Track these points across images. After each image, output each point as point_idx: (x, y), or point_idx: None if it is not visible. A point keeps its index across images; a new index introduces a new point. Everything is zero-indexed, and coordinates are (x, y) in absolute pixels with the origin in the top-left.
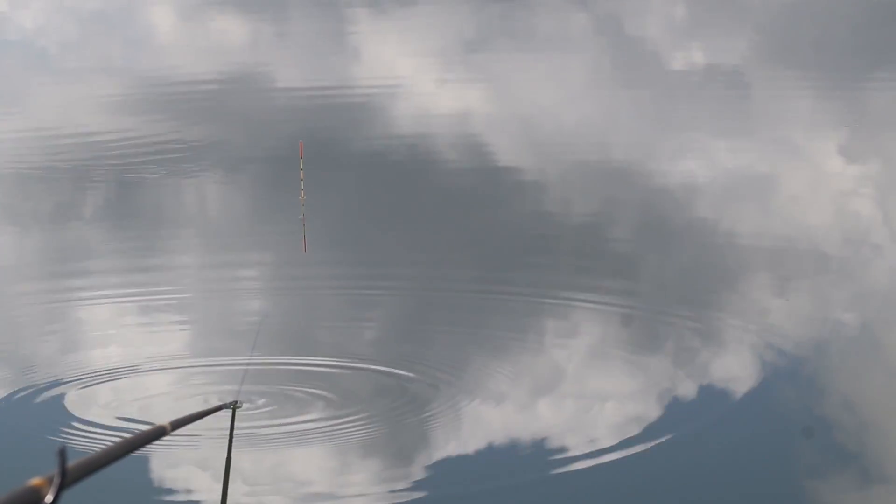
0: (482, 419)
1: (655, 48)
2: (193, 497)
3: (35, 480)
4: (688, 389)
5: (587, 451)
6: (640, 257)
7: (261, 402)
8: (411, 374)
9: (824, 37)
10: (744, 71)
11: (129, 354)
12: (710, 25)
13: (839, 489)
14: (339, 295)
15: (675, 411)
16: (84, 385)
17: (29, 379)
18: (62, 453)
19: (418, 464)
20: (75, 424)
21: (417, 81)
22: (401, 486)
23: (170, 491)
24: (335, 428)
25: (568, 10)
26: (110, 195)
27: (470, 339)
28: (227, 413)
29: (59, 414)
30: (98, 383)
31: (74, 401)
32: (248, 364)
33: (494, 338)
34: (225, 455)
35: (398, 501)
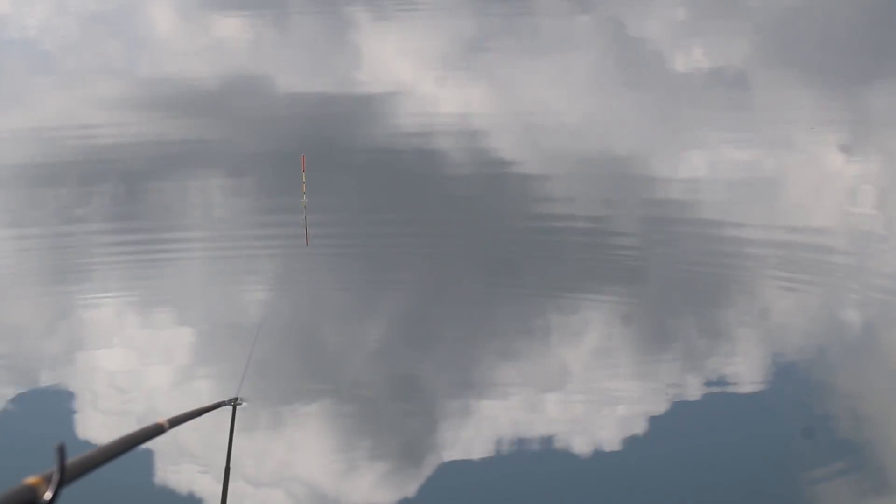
0: (488, 417)
1: (658, 48)
2: (195, 494)
3: (31, 479)
4: (688, 389)
5: (586, 450)
6: (642, 257)
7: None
8: (414, 374)
9: (826, 37)
10: (746, 71)
11: (128, 353)
12: (713, 25)
13: (839, 490)
14: (344, 295)
15: (676, 411)
16: (84, 385)
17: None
18: (61, 450)
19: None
20: (74, 422)
21: (420, 83)
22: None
23: (171, 487)
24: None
25: (570, 11)
26: (111, 194)
27: (473, 339)
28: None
29: (58, 412)
30: (97, 381)
31: (74, 399)
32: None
33: (496, 338)
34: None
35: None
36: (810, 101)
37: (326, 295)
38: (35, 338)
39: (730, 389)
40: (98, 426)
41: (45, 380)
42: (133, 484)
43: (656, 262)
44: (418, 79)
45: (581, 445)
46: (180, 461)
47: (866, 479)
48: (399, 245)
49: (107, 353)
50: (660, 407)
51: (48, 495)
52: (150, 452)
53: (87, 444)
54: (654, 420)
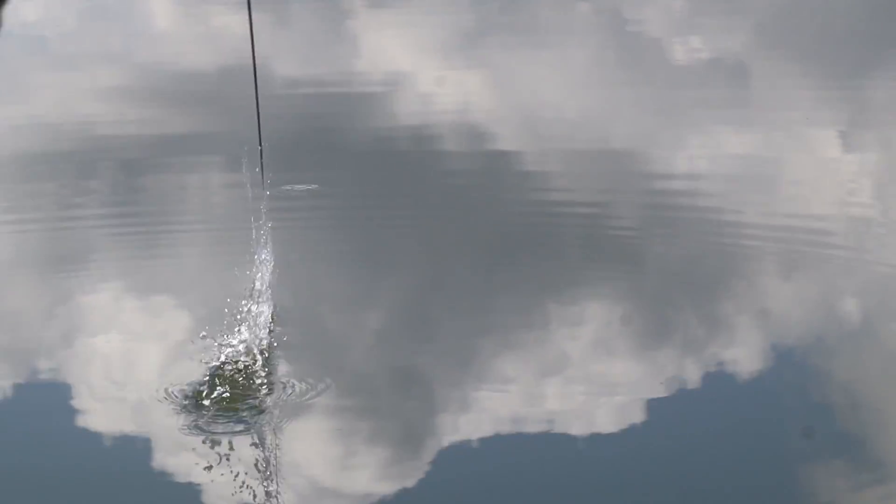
0: (486, 407)
1: (656, 37)
2: (195, 487)
3: None
4: (686, 386)
5: (583, 449)
6: (640, 248)
7: None
8: (411, 363)
9: (826, 26)
10: (745, 61)
11: (125, 339)
12: (711, 15)
13: (839, 489)
14: (340, 285)
15: (674, 409)
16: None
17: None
18: None
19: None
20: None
21: (418, 72)
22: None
23: (172, 481)
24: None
25: (568, 2)
26: (108, 182)
27: (470, 332)
28: None
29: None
30: (94, 367)
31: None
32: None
33: (495, 331)
34: None
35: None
36: (809, 91)
37: (323, 286)
38: (32, 325)
39: (728, 382)
40: (95, 414)
41: (43, 367)
42: (135, 476)
43: (655, 250)
44: (416, 68)
45: (578, 436)
46: (181, 456)
47: (865, 473)
48: (397, 233)
49: (104, 339)
50: (658, 398)
51: None
52: (150, 444)
53: (84, 432)
54: (651, 414)
